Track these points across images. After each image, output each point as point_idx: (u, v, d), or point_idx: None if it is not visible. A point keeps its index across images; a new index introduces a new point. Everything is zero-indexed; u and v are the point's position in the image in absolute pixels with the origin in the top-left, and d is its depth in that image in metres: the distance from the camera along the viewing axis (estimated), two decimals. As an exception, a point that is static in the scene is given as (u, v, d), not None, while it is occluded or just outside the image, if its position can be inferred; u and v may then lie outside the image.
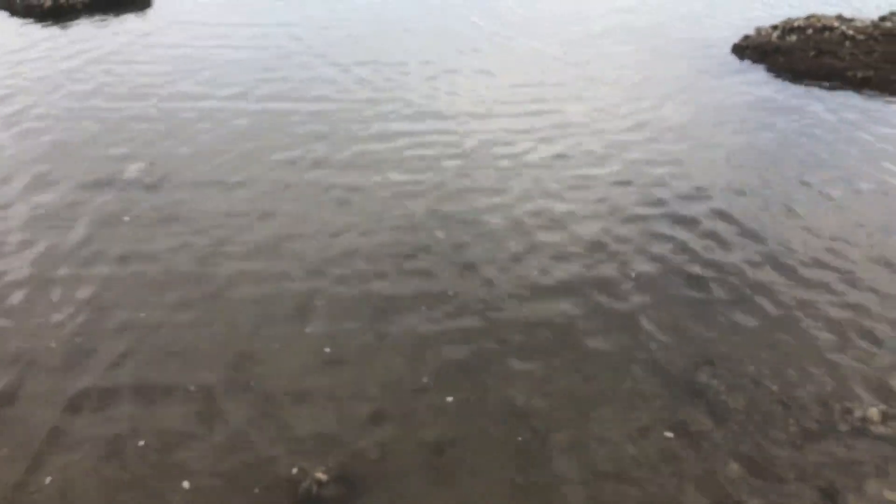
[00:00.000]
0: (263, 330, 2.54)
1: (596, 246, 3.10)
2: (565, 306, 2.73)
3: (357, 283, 2.79)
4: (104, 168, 3.55)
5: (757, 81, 4.89)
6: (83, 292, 2.70)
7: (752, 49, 5.25)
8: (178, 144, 3.80)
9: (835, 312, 2.76)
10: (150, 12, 5.63)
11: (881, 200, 3.64)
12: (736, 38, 5.38)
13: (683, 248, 3.12)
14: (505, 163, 3.76)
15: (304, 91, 4.45)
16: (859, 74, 4.92)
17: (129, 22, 5.43)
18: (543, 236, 3.15)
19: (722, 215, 3.38)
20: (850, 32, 5.13)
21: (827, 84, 4.86)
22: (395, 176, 3.55)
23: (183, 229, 3.09)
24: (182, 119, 4.06)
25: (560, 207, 3.38)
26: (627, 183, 3.61)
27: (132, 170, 3.56)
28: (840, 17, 5.45)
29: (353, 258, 2.93)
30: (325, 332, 2.54)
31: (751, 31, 5.41)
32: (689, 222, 3.31)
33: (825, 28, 5.20)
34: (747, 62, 5.17)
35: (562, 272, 2.92)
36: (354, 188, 3.43)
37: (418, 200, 3.35)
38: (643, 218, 3.33)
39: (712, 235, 3.23)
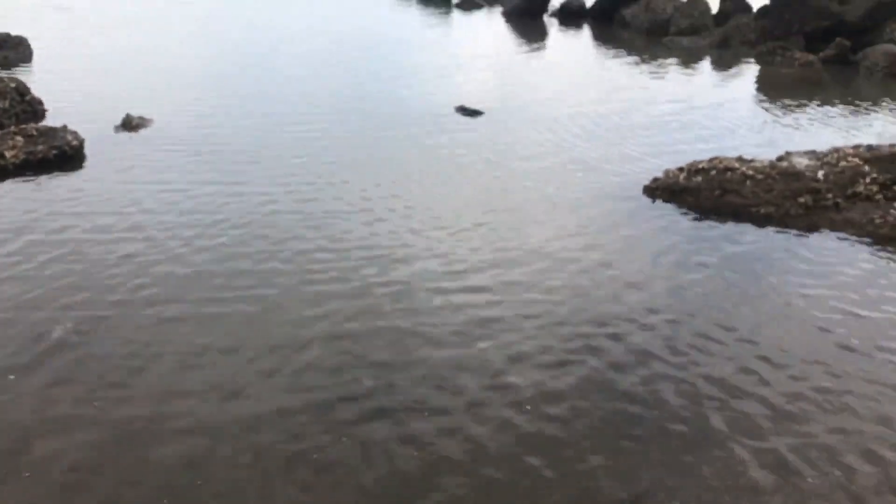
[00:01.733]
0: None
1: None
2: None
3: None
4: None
5: (668, 220, 5.20)
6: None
7: (662, 190, 5.60)
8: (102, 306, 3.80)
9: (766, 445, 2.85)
10: (83, 172, 5.72)
11: (794, 327, 3.83)
12: (646, 181, 5.73)
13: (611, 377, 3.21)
14: (438, 300, 3.86)
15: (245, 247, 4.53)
16: (762, 211, 5.28)
17: (60, 182, 5.49)
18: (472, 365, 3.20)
19: (648, 345, 3.50)
20: (751, 172, 5.54)
21: (733, 220, 5.20)
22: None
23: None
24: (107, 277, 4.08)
25: (481, 341, 3.46)
26: (562, 323, 3.73)
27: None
28: (740, 159, 5.88)
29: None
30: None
31: (660, 174, 5.78)
32: (617, 357, 3.42)
33: (727, 169, 5.60)
34: (658, 202, 5.50)
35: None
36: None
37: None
38: (570, 351, 3.43)
39: (636, 365, 3.33)
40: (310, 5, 15.69)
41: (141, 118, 6.88)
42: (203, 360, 3.37)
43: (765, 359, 3.54)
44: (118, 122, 6.77)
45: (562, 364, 3.43)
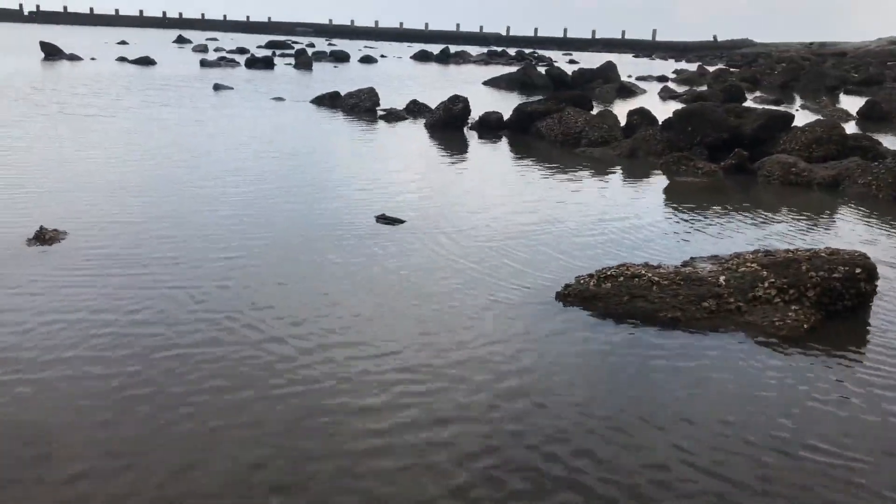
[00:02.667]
0: None
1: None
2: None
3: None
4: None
5: (579, 326, 5.36)
6: None
7: (574, 296, 5.78)
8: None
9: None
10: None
11: (700, 420, 3.95)
12: (558, 287, 5.92)
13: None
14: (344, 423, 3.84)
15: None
16: (669, 315, 5.50)
17: (-36, 299, 5.32)
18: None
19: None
20: (657, 278, 5.79)
21: (641, 325, 5.39)
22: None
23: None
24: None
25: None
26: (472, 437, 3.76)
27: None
28: (647, 265, 6.16)
29: None
30: None
31: (571, 281, 5.98)
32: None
33: (634, 275, 5.84)
34: (571, 308, 5.67)
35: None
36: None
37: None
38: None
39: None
40: (239, 120, 15.92)
41: (56, 231, 6.78)
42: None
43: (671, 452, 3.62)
44: (31, 235, 6.65)
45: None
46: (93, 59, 33.42)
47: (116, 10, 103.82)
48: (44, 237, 6.65)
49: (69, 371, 4.27)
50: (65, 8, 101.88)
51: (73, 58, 33.06)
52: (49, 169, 9.77)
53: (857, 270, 5.76)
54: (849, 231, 8.45)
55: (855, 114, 21.02)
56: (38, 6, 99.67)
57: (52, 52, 33.38)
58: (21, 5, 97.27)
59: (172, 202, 8.27)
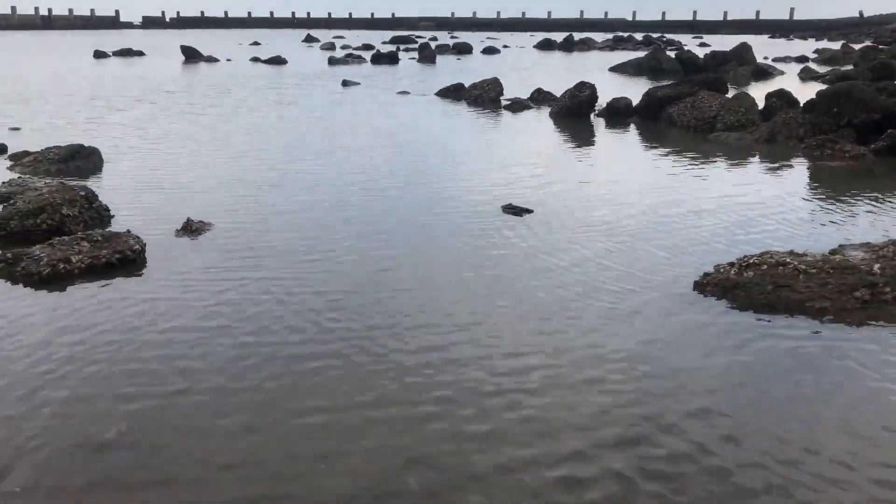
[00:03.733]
0: None
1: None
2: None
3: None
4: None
5: (719, 317, 5.13)
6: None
7: (713, 285, 5.54)
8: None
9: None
10: (143, 275, 5.93)
11: (861, 429, 3.70)
12: (696, 276, 5.69)
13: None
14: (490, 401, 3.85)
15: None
16: (817, 305, 5.18)
17: (121, 285, 5.70)
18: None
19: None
20: (803, 267, 5.46)
21: (786, 316, 5.10)
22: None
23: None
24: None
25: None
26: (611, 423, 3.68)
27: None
28: (792, 253, 5.82)
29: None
30: None
31: (710, 269, 5.74)
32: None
33: (779, 263, 5.53)
34: (710, 298, 5.44)
35: None
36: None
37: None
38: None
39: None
40: (365, 114, 16.30)
41: (201, 222, 7.16)
42: (258, 470, 3.41)
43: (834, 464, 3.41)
44: (179, 226, 7.05)
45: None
46: (228, 59, 35.17)
47: (249, 13, 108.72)
48: (191, 228, 7.03)
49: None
50: (202, 13, 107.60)
51: (211, 59, 34.90)
52: (194, 165, 10.34)
53: None
54: None
55: None
56: (178, 12, 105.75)
57: (191, 55, 35.40)
58: (163, 12, 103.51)
59: (306, 195, 8.56)
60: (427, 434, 3.66)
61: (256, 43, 53.24)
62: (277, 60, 33.68)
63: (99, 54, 36.90)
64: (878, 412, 3.90)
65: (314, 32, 66.81)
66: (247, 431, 3.68)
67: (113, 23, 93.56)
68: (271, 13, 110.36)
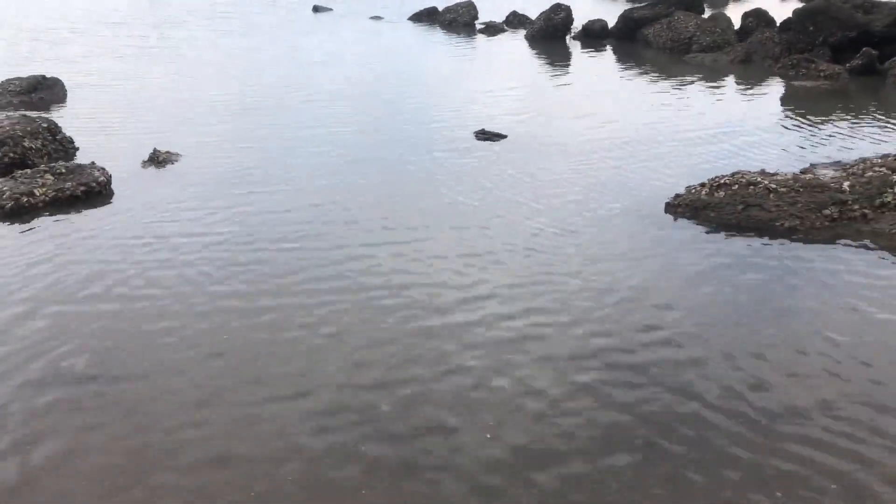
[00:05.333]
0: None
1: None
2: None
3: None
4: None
5: (691, 236, 5.16)
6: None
7: (684, 206, 5.55)
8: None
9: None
10: (109, 208, 5.83)
11: (824, 340, 3.77)
12: (667, 198, 5.69)
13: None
14: (464, 326, 3.87)
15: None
16: (786, 224, 5.21)
17: (86, 217, 5.61)
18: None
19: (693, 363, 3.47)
20: (773, 186, 5.47)
21: (757, 235, 5.13)
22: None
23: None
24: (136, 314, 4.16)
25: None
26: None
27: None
28: (763, 173, 5.83)
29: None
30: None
31: (681, 190, 5.74)
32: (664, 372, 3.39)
33: (750, 183, 5.54)
34: (681, 219, 5.45)
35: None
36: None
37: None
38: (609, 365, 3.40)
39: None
40: (338, 42, 15.89)
41: (168, 153, 7.01)
42: (223, 396, 3.41)
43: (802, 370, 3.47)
44: (146, 157, 6.91)
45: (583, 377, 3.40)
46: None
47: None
48: (157, 159, 6.89)
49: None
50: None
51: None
52: (161, 96, 10.08)
53: None
54: None
55: None
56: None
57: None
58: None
59: (276, 125, 8.38)
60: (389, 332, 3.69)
61: (224, -32, 51.38)
62: (246, -14, 32.55)
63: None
64: (834, 324, 3.97)
65: (283, -44, 64.60)
66: (214, 357, 3.68)
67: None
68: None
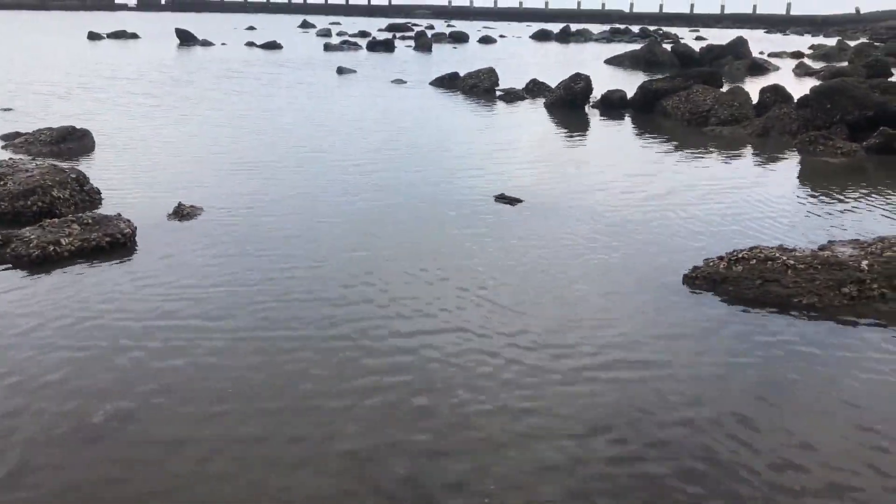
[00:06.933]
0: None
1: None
2: None
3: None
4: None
5: (709, 310, 5.16)
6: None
7: (702, 279, 5.57)
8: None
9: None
10: (134, 260, 5.92)
11: (839, 425, 3.74)
12: (686, 270, 5.71)
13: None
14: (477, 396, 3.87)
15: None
16: (804, 301, 5.21)
17: (111, 269, 5.70)
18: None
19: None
20: (792, 262, 5.49)
21: (774, 311, 5.13)
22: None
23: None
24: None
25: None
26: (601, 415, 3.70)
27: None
28: (781, 248, 5.85)
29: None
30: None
31: (699, 263, 5.76)
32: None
33: (768, 258, 5.56)
34: (699, 291, 5.47)
35: None
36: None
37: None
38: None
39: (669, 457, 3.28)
40: (361, 102, 16.25)
41: (192, 207, 7.14)
42: (235, 454, 3.42)
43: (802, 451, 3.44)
44: (170, 210, 7.04)
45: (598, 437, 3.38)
46: (223, 44, 34.95)
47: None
48: (182, 212, 7.01)
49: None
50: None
51: (206, 43, 34.68)
52: (188, 150, 10.30)
53: None
54: None
55: None
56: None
57: (186, 39, 35.12)
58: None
59: (300, 183, 8.54)
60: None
61: (252, 28, 52.86)
62: (273, 45, 33.49)
63: (93, 36, 36.57)
64: (854, 406, 3.93)
65: (310, 18, 66.36)
66: (238, 422, 3.69)
67: (108, 5, 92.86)
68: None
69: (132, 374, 4.07)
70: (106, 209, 7.04)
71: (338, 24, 62.43)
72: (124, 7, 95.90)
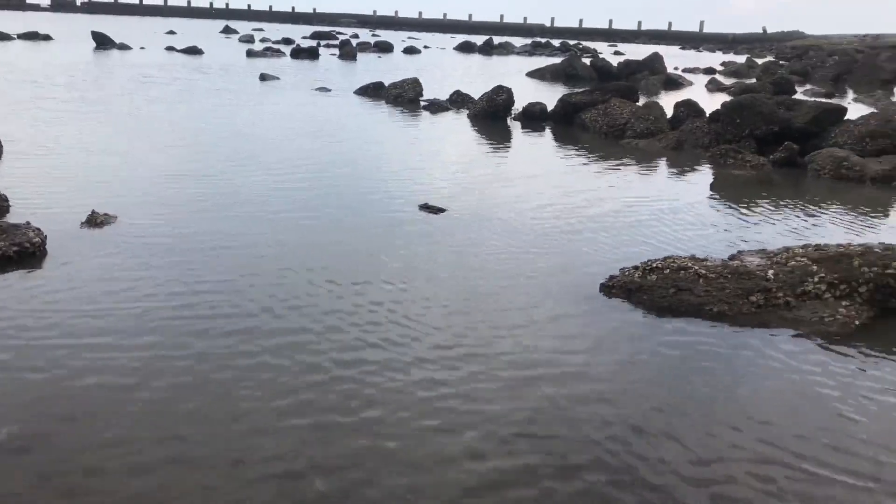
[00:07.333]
0: None
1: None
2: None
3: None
4: None
5: (623, 318, 5.32)
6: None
7: (618, 288, 5.74)
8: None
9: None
10: (42, 269, 5.71)
11: (741, 424, 3.90)
12: (603, 278, 5.87)
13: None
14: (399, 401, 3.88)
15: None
16: (715, 309, 5.42)
17: (17, 279, 5.48)
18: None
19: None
20: (703, 271, 5.70)
21: (687, 318, 5.32)
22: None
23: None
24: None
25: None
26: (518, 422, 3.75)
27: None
28: (693, 258, 6.07)
29: None
30: None
31: (616, 272, 5.93)
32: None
33: (680, 268, 5.76)
34: (615, 300, 5.62)
35: None
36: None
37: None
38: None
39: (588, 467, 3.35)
40: (282, 110, 16.09)
41: (106, 215, 6.93)
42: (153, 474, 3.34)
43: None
44: (83, 219, 6.81)
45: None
46: (142, 48, 34.03)
47: (165, 1, 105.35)
48: (95, 221, 6.80)
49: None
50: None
51: (123, 47, 33.70)
52: (101, 157, 9.98)
53: (913, 266, 5.61)
54: (903, 227, 8.23)
55: (911, 108, 20.44)
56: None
57: (103, 42, 34.05)
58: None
59: (216, 191, 8.39)
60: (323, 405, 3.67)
61: (172, 32, 51.70)
62: (194, 51, 32.79)
63: (2, 36, 35.09)
64: (759, 406, 4.12)
65: (232, 24, 65.31)
66: (152, 445, 3.60)
67: (18, 4, 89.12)
68: (188, 2, 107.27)
69: (38, 395, 3.91)
70: (14, 217, 6.75)
71: (261, 30, 61.63)
72: (37, 7, 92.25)
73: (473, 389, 4.15)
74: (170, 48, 34.28)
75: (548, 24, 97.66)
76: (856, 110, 16.49)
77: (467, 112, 16.44)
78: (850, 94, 25.78)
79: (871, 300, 5.51)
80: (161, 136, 11.64)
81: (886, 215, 8.82)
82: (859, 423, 4.04)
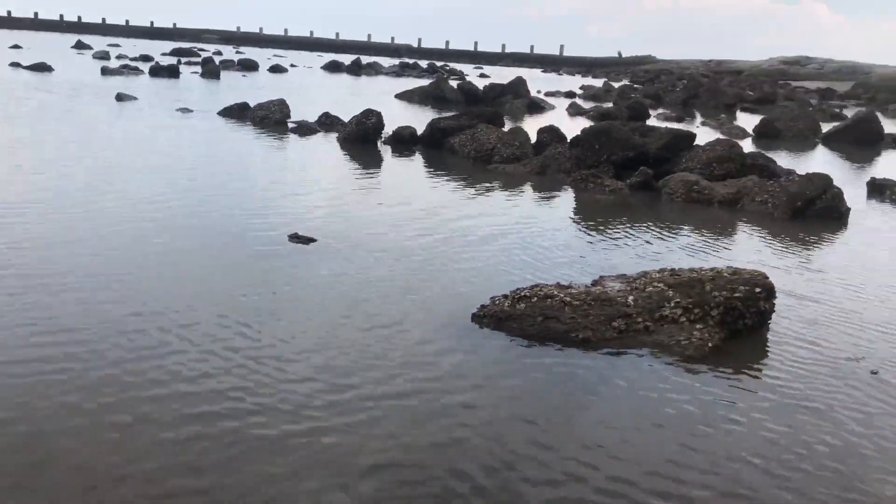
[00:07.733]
0: None
1: None
2: None
3: None
4: None
5: (494, 347, 5.42)
6: None
7: (489, 317, 5.84)
8: None
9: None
10: None
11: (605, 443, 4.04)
12: (474, 308, 5.96)
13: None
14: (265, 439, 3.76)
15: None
16: (580, 335, 5.62)
17: None
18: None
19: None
20: (568, 299, 5.90)
21: (555, 346, 5.49)
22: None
23: None
24: None
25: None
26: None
27: None
28: (559, 285, 6.27)
29: None
30: None
31: (486, 300, 6.03)
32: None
33: (547, 296, 5.94)
34: (486, 329, 5.72)
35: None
36: None
37: None
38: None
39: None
40: (141, 134, 15.43)
41: (-58, 253, 6.37)
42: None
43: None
44: (-85, 257, 6.24)
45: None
46: (-18, 63, 31.74)
47: (9, 12, 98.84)
48: (-70, 260, 6.24)
49: None
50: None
51: (-39, 62, 31.30)
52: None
53: (757, 290, 6.02)
54: (748, 248, 8.85)
55: (751, 131, 22.10)
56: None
57: (-64, 56, 31.50)
58: None
59: (72, 225, 7.89)
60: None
61: (17, 46, 48.38)
62: (42, 67, 30.84)
63: None
64: (619, 428, 4.31)
65: (86, 38, 62.05)
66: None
67: None
68: (35, 14, 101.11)
69: None
70: None
71: (117, 45, 58.91)
72: None
73: (333, 425, 4.09)
74: (14, 64, 32.08)
75: (415, 44, 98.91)
76: (704, 134, 17.67)
77: (337, 135, 16.34)
78: (699, 118, 27.52)
79: (721, 322, 5.87)
80: (4, 164, 10.85)
81: (732, 237, 9.48)
82: (715, 437, 4.29)
